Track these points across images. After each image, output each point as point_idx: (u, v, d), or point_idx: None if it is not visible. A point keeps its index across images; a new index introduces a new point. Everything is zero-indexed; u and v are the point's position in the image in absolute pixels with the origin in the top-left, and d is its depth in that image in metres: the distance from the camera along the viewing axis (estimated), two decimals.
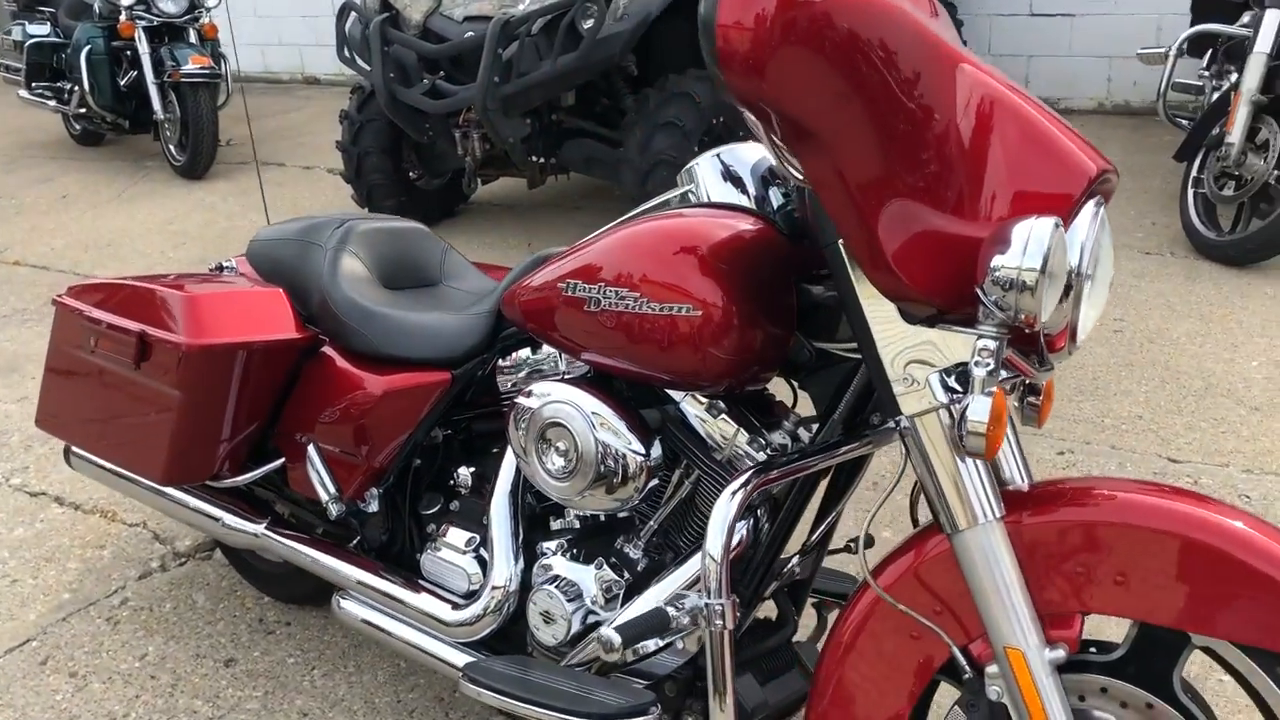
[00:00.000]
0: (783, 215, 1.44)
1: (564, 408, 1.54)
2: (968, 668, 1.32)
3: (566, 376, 1.64)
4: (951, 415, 1.20)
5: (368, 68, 4.57)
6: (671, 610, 1.33)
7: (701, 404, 1.55)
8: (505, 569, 1.71)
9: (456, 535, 1.84)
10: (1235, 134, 4.11)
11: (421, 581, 1.88)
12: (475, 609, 1.74)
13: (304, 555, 2.03)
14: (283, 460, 2.08)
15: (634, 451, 1.52)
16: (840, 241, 1.21)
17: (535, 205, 5.65)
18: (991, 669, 1.28)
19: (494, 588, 1.71)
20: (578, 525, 1.71)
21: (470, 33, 4.40)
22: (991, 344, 1.11)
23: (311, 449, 1.96)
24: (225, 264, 2.23)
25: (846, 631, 1.39)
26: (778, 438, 1.54)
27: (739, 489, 1.32)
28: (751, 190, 1.47)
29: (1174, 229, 4.51)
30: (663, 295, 1.37)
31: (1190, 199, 4.39)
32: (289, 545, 2.06)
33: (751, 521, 1.55)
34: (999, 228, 1.11)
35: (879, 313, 1.22)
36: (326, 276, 1.98)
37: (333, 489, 1.94)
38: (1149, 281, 4.09)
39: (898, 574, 1.34)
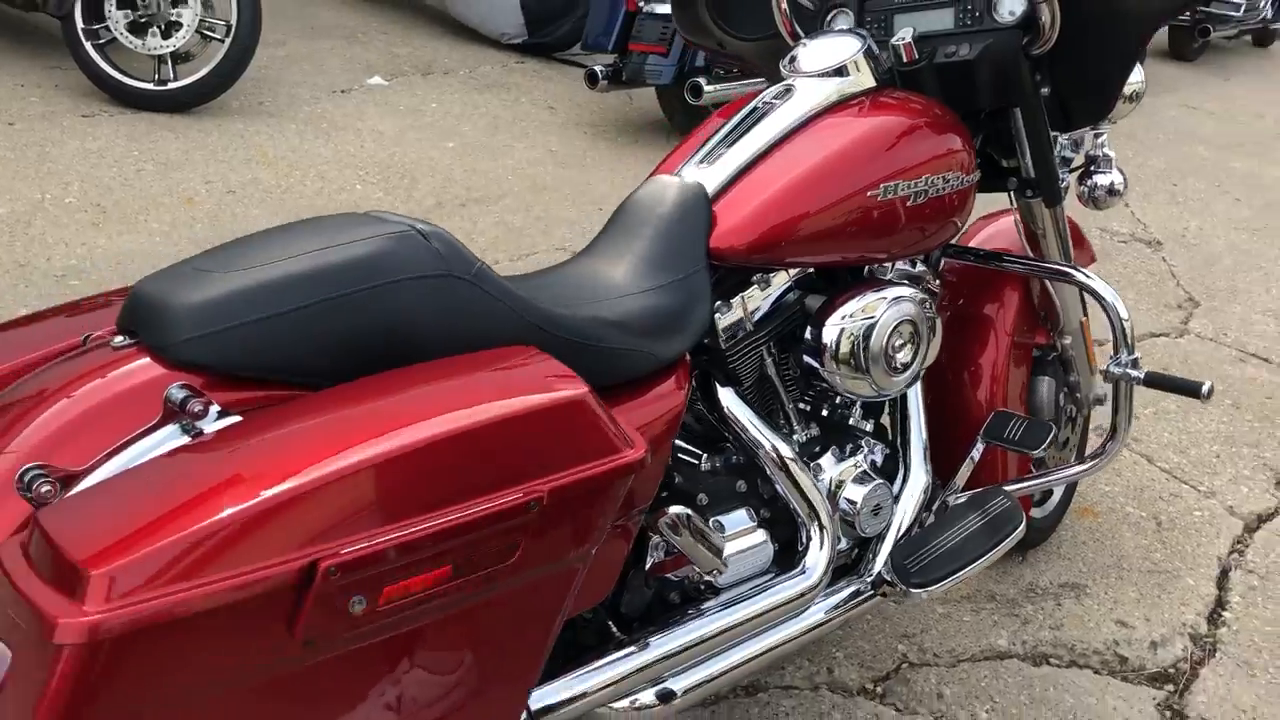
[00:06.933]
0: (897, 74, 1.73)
1: (904, 306, 1.60)
2: None
3: (790, 289, 1.65)
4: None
5: None
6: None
7: None
8: (822, 500, 1.60)
9: (738, 519, 1.58)
10: None
11: (722, 591, 1.54)
12: (817, 554, 1.58)
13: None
14: None
15: (934, 313, 1.66)
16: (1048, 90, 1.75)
17: None
18: None
19: (821, 526, 1.59)
20: (824, 429, 1.72)
21: None
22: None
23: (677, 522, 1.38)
24: (120, 341, 1.07)
25: None
26: None
27: None
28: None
29: None
30: (954, 168, 1.64)
31: None
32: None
33: None
34: None
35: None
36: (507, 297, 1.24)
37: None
38: None
39: None
